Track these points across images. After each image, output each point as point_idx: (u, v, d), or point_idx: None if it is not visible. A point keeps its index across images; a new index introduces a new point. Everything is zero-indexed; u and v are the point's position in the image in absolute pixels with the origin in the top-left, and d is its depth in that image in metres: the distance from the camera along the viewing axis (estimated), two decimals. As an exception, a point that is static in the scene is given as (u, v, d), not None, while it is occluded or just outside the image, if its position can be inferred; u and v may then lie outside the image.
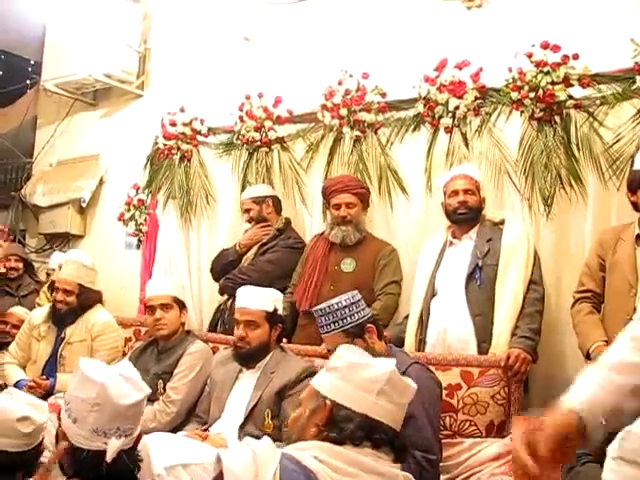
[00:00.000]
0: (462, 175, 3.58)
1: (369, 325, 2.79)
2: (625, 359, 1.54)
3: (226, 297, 4.25)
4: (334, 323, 2.74)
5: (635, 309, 2.89)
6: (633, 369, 1.51)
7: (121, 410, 1.86)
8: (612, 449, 2.07)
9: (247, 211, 4.39)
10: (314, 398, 1.83)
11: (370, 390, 1.75)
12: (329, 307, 2.75)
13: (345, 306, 2.74)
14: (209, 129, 4.98)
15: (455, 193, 3.53)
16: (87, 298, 4.08)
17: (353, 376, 1.78)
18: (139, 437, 1.98)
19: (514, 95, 3.67)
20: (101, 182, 5.93)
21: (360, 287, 3.56)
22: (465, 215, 3.51)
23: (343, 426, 1.71)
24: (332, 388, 1.80)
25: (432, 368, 2.91)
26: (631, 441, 2.01)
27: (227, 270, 4.30)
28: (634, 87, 3.39)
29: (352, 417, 1.72)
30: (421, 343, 3.46)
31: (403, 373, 2.56)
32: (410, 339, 3.47)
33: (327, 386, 1.82)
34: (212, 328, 4.30)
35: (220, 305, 4.31)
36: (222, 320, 4.24)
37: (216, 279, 4.42)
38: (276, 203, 4.41)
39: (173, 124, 4.99)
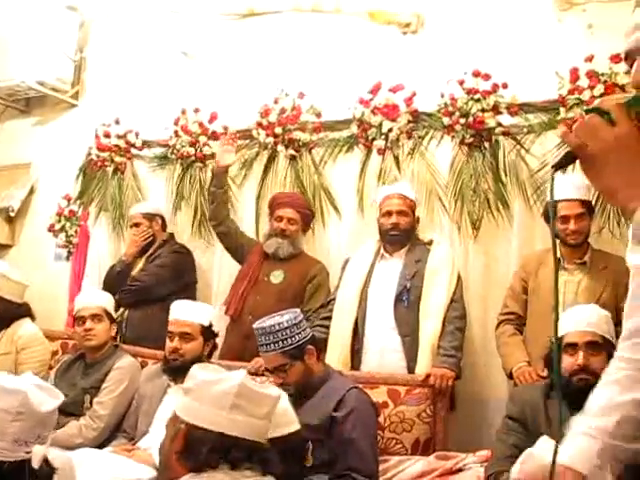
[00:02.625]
0: (397, 195, 3.61)
1: (309, 347, 2.77)
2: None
3: (122, 309, 4.26)
4: (274, 344, 2.70)
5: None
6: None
7: (42, 417, 1.85)
8: (514, 471, 2.16)
9: (136, 225, 4.45)
10: (173, 424, 1.76)
11: (222, 406, 1.68)
12: (271, 327, 2.70)
13: (287, 327, 2.70)
14: (143, 142, 4.94)
15: (389, 214, 3.57)
16: (6, 310, 3.97)
17: (204, 394, 1.71)
18: None
19: (446, 120, 3.78)
20: (31, 191, 5.78)
21: (285, 299, 3.68)
22: (396, 237, 3.57)
23: (198, 449, 1.65)
24: (186, 410, 1.74)
25: (359, 386, 2.92)
26: (529, 463, 2.11)
27: (117, 283, 4.32)
28: (558, 117, 3.55)
29: (206, 437, 1.65)
30: (356, 354, 3.48)
31: (342, 398, 2.61)
32: (344, 349, 3.48)
33: (182, 409, 1.75)
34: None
35: (117, 317, 4.24)
36: (120, 331, 4.15)
37: None
38: (163, 221, 4.56)
39: (107, 135, 4.94)
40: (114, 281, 4.37)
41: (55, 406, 1.90)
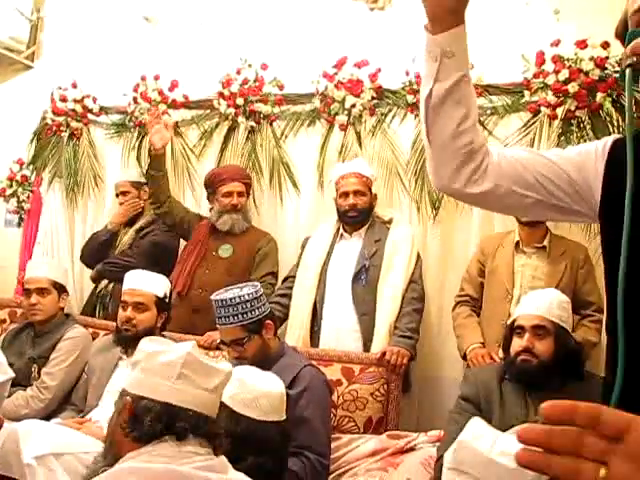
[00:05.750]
0: (353, 174, 3.58)
1: (267, 321, 2.76)
2: None
3: (106, 282, 4.16)
4: (234, 316, 2.67)
5: (510, 314, 3.02)
6: None
7: None
8: (447, 458, 2.18)
9: (123, 193, 4.34)
10: (120, 399, 1.73)
11: (168, 376, 1.64)
12: (231, 299, 2.67)
13: (247, 300, 2.67)
14: (101, 108, 4.83)
15: (345, 194, 3.55)
16: None
17: (151, 365, 1.67)
18: None
19: (410, 98, 3.77)
20: (-19, 155, 5.64)
21: (235, 273, 3.67)
22: (355, 218, 3.56)
23: (143, 420, 1.60)
24: (133, 382, 1.70)
25: (314, 363, 2.92)
26: (462, 452, 2.13)
27: (101, 253, 4.23)
28: (522, 101, 3.55)
29: (152, 407, 1.61)
30: (314, 334, 3.48)
31: (296, 375, 2.59)
32: (303, 330, 3.47)
33: (130, 381, 1.72)
34: (89, 313, 4.17)
35: (100, 290, 4.19)
36: (102, 305, 4.15)
37: (89, 265, 4.32)
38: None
39: (64, 99, 4.81)
40: (96, 250, 4.25)
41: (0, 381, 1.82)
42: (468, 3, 1.25)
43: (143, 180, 4.35)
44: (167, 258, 4.14)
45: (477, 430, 2.17)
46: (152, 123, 3.98)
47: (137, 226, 4.27)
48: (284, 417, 2.24)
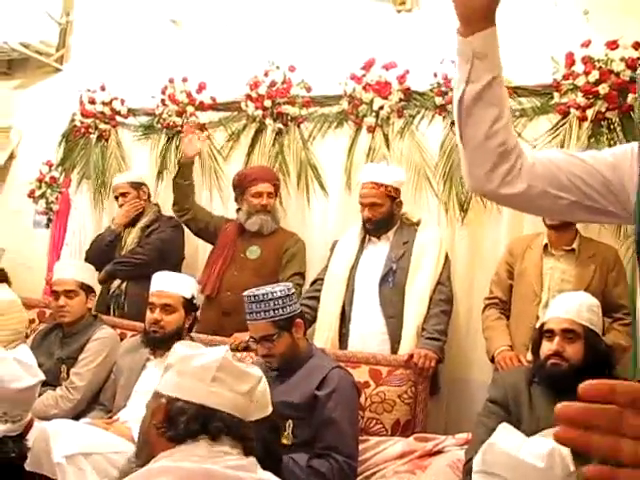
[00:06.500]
0: (370, 183, 3.50)
1: (298, 320, 2.77)
2: None
3: (119, 282, 4.19)
4: (265, 312, 2.68)
5: (538, 317, 3.00)
6: None
7: (10, 394, 1.79)
8: (476, 462, 2.16)
9: (123, 195, 4.37)
10: (154, 400, 1.75)
11: (203, 378, 1.67)
12: (263, 295, 2.69)
13: (279, 297, 2.70)
14: (129, 110, 4.88)
15: (362, 205, 3.54)
16: None
17: (186, 367, 1.70)
18: (29, 426, 1.90)
19: (438, 100, 3.75)
20: (12, 156, 5.69)
21: (263, 275, 3.67)
22: (372, 228, 3.55)
23: (178, 420, 1.63)
24: (167, 384, 1.73)
25: (342, 365, 2.91)
26: (490, 455, 2.11)
27: (107, 254, 4.26)
28: (552, 102, 3.53)
29: (187, 409, 1.64)
30: (343, 337, 3.47)
31: (325, 376, 2.60)
32: (332, 333, 3.47)
33: (163, 383, 1.74)
34: (103, 313, 4.13)
35: (114, 290, 4.20)
36: (117, 305, 4.17)
37: (96, 267, 4.33)
38: (149, 191, 4.49)
39: (92, 102, 4.86)
40: (102, 251, 4.29)
41: (29, 384, 1.83)
42: (499, 4, 1.25)
43: (141, 181, 4.43)
44: (175, 254, 4.23)
45: (505, 434, 2.16)
46: (187, 132, 4.06)
47: (141, 225, 4.31)
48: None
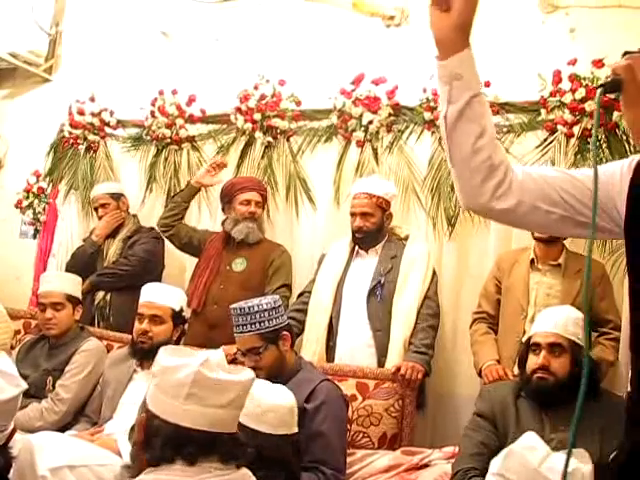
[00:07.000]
0: (363, 194, 3.54)
1: (285, 332, 2.77)
2: None
3: (102, 293, 4.20)
4: (252, 324, 2.69)
5: (525, 331, 3.02)
6: None
7: None
8: (494, 464, 2.16)
9: (103, 206, 4.39)
10: (141, 409, 1.70)
11: (177, 395, 1.59)
12: (249, 308, 2.69)
13: (266, 309, 2.70)
14: (118, 121, 4.88)
15: (353, 215, 3.55)
16: None
17: (163, 382, 1.63)
18: (11, 434, 1.88)
19: (427, 115, 3.78)
20: (-1, 166, 5.68)
21: (249, 287, 3.68)
22: (362, 239, 3.55)
23: (153, 442, 1.59)
24: (150, 396, 1.66)
25: (330, 378, 2.91)
26: (511, 460, 2.12)
27: (89, 266, 4.27)
28: (539, 119, 3.57)
29: (162, 428, 1.58)
30: (330, 350, 3.47)
31: (313, 389, 2.60)
32: (319, 346, 3.46)
33: (148, 394, 1.67)
34: (87, 325, 4.13)
35: (98, 301, 4.20)
36: (102, 316, 4.18)
37: None
38: (127, 202, 4.52)
39: (81, 113, 4.86)
40: (84, 263, 4.29)
41: (12, 395, 1.80)
42: (471, 28, 1.33)
43: (120, 192, 4.47)
44: (158, 265, 4.28)
45: (530, 442, 2.15)
46: (212, 165, 4.12)
47: (122, 236, 4.34)
48: (295, 430, 2.23)
